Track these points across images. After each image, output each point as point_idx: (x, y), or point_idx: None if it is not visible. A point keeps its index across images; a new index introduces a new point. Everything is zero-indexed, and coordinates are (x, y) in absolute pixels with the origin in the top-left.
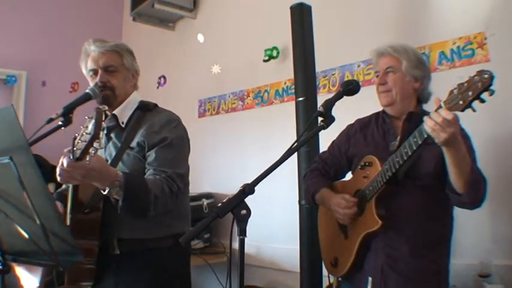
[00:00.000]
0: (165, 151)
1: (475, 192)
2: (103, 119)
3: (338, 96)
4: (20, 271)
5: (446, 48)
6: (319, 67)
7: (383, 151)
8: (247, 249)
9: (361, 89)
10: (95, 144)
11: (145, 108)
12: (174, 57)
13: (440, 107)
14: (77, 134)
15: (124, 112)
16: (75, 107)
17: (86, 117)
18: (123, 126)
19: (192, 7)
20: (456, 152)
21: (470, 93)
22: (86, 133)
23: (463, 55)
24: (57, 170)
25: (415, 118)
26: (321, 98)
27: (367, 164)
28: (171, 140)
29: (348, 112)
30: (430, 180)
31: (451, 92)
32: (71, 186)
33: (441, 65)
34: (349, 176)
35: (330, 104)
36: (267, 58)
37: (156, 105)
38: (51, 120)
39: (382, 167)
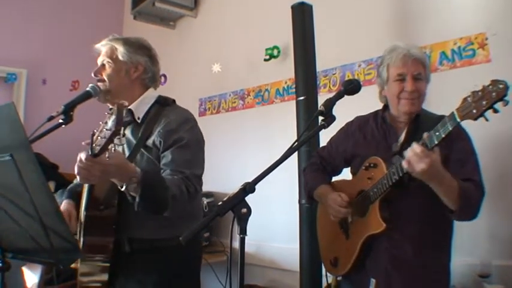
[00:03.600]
0: (182, 152)
1: (464, 214)
2: (124, 115)
3: (339, 96)
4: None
5: (447, 48)
6: (320, 66)
7: (385, 152)
8: (247, 248)
9: (361, 88)
10: (116, 141)
11: (164, 103)
12: (174, 56)
13: (452, 115)
14: (95, 130)
15: (140, 107)
16: (75, 105)
17: (106, 113)
18: (138, 121)
19: (192, 6)
20: (438, 187)
21: (484, 102)
22: (106, 129)
23: (464, 55)
24: (75, 168)
25: (420, 119)
26: (322, 98)
27: (371, 165)
28: (188, 141)
29: (349, 111)
30: None
31: (465, 99)
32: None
33: (442, 65)
34: (345, 173)
35: (330, 103)
36: (267, 57)
37: (174, 101)
38: (51, 118)
39: (387, 169)
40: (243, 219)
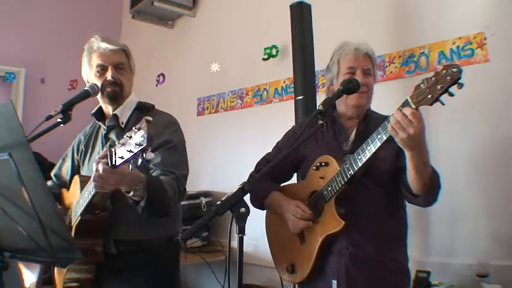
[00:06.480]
0: (171, 153)
1: (431, 196)
2: (152, 132)
3: (337, 95)
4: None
5: (445, 48)
6: (319, 66)
7: (337, 151)
8: (245, 248)
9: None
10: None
11: (144, 109)
12: (173, 55)
13: (406, 102)
14: (116, 141)
15: (124, 112)
16: (74, 104)
17: (133, 128)
18: (122, 126)
19: (191, 5)
20: (418, 158)
21: (439, 86)
22: (135, 143)
23: (463, 55)
24: (92, 176)
25: (369, 118)
26: (320, 97)
27: (323, 164)
28: (176, 144)
29: None
30: (387, 178)
31: (418, 86)
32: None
33: (441, 65)
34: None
35: (329, 102)
36: (266, 57)
37: (153, 106)
38: (50, 117)
39: (340, 166)
40: (241, 219)
